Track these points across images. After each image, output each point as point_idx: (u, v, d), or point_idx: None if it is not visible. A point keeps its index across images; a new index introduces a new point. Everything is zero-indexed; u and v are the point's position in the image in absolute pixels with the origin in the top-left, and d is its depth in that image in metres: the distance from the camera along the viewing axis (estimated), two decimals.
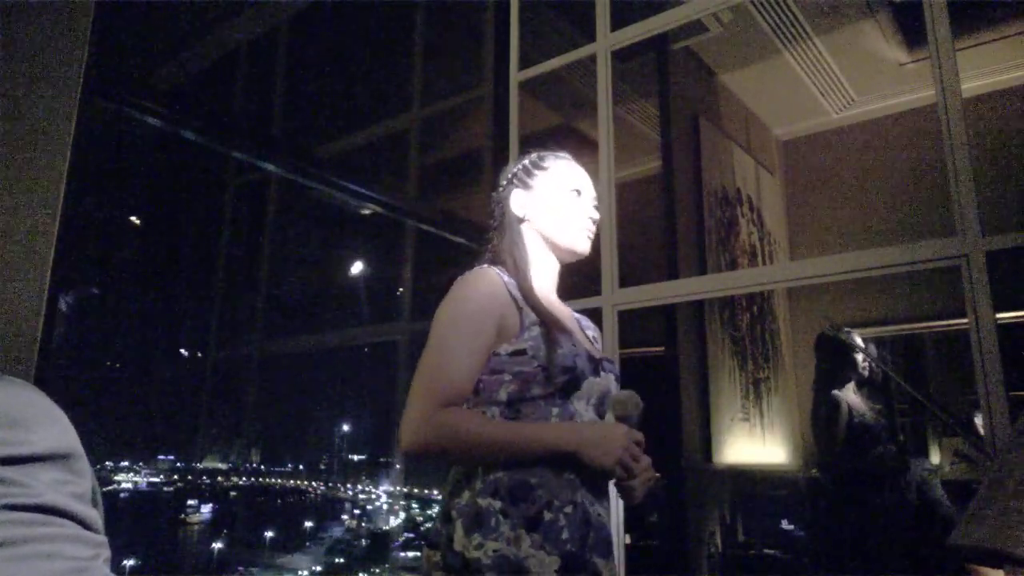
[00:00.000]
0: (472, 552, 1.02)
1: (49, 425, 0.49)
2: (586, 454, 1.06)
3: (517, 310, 1.15)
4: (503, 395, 1.11)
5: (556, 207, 1.28)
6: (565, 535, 1.04)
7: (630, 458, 1.09)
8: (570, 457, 1.07)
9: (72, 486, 0.47)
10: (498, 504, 1.05)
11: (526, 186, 1.31)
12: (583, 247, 1.29)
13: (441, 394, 1.05)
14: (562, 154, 1.36)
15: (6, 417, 0.47)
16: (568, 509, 1.06)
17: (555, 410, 1.11)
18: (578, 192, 1.30)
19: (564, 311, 1.31)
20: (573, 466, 1.08)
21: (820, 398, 2.77)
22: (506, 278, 1.18)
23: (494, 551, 1.01)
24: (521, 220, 1.29)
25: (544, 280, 1.29)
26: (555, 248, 1.29)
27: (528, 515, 1.04)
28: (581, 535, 1.06)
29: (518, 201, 1.30)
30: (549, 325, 1.14)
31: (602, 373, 1.19)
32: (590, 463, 1.07)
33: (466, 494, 1.07)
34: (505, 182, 1.34)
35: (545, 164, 1.33)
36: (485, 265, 1.21)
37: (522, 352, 1.12)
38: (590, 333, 1.34)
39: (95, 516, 0.48)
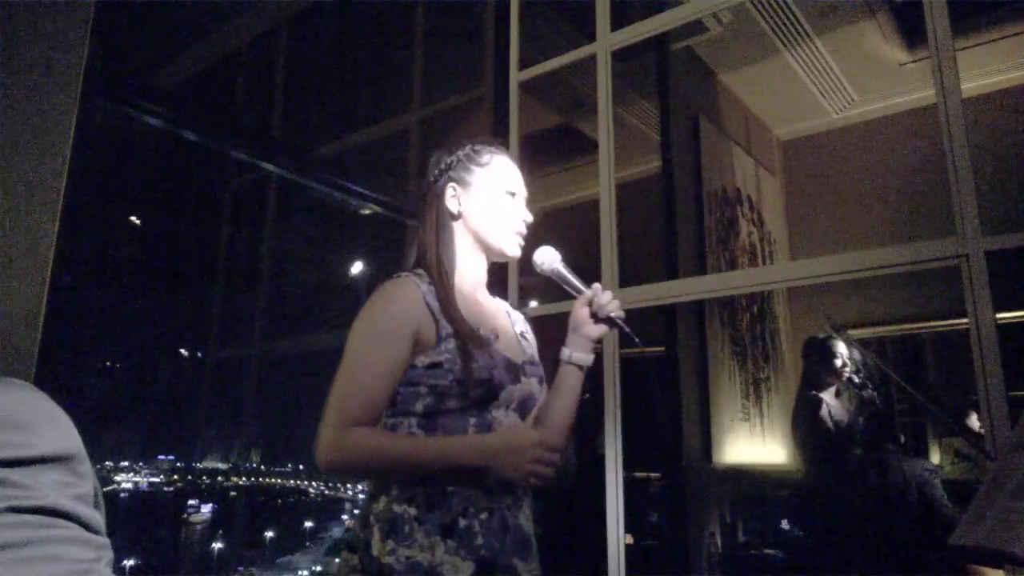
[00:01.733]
0: (386, 558, 1.02)
1: (51, 427, 0.49)
2: (493, 469, 1.05)
3: (434, 321, 1.12)
4: (419, 407, 1.10)
5: (491, 208, 1.24)
6: (480, 540, 1.05)
7: (541, 465, 1.06)
8: (479, 472, 1.06)
9: (74, 488, 0.47)
10: (413, 511, 1.05)
11: (463, 182, 1.25)
12: (514, 252, 1.25)
13: (351, 413, 1.05)
14: (498, 149, 1.30)
15: (9, 419, 0.47)
16: (484, 516, 1.07)
17: (472, 420, 1.11)
18: (512, 194, 1.26)
19: (490, 311, 1.27)
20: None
21: (801, 398, 2.80)
22: (424, 286, 1.15)
23: (407, 558, 1.02)
24: (455, 217, 1.24)
25: (471, 279, 1.25)
26: (486, 249, 1.26)
27: (444, 522, 1.04)
28: (499, 541, 1.06)
29: (454, 197, 1.24)
30: (464, 338, 1.11)
31: (523, 379, 1.17)
32: (499, 477, 1.06)
33: (383, 499, 1.07)
34: (438, 172, 1.27)
35: (483, 160, 1.27)
36: (404, 273, 1.18)
37: (438, 365, 1.10)
38: (519, 328, 1.31)
39: (97, 518, 0.48)
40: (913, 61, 3.57)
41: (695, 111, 3.61)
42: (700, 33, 3.32)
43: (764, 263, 3.93)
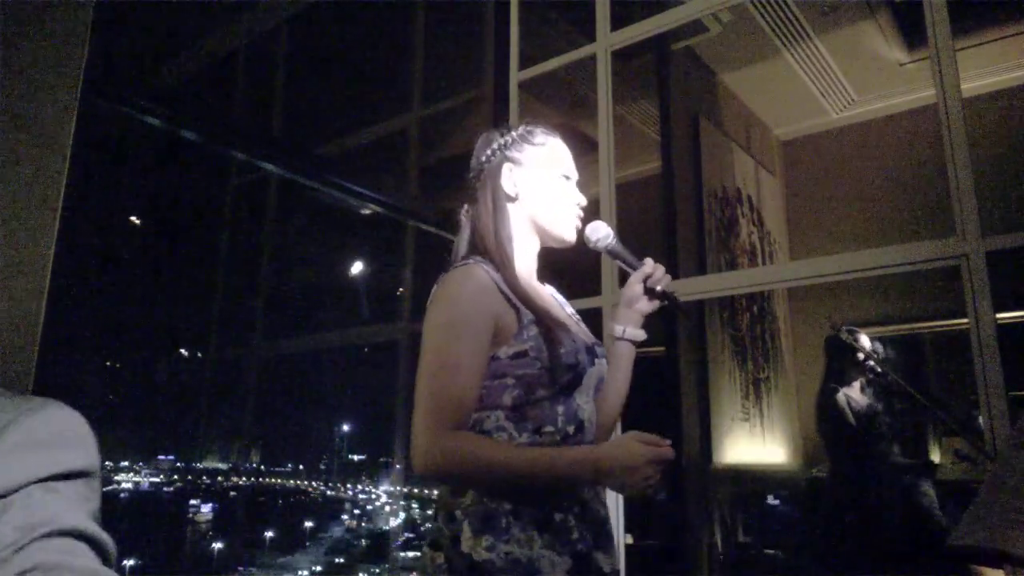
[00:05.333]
0: (483, 554, 0.99)
1: (82, 443, 0.52)
2: (607, 481, 1.02)
3: (512, 309, 1.08)
4: (507, 400, 1.06)
5: (549, 191, 1.20)
6: (575, 535, 1.03)
7: (653, 480, 1.02)
8: (590, 483, 1.05)
9: (91, 503, 0.50)
10: (507, 505, 1.02)
11: (518, 162, 1.21)
12: (572, 236, 1.22)
13: (447, 412, 1.00)
14: (551, 131, 1.27)
15: (48, 436, 0.50)
16: (577, 509, 1.05)
17: (560, 408, 1.07)
18: (568, 178, 1.23)
19: (549, 297, 1.25)
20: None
21: (824, 395, 2.78)
22: (494, 274, 1.10)
23: (506, 553, 0.99)
24: (511, 199, 1.20)
25: (526, 264, 1.22)
26: (543, 234, 1.22)
27: (538, 516, 1.02)
28: (592, 534, 1.05)
29: (509, 177, 1.20)
30: (548, 323, 1.08)
31: (596, 361, 1.15)
32: (612, 488, 1.04)
33: (471, 494, 1.04)
34: (490, 152, 1.23)
35: (538, 140, 1.23)
36: (470, 262, 1.12)
37: (523, 354, 1.06)
38: (568, 310, 1.28)
39: (110, 541, 0.50)
40: (913, 61, 3.57)
41: (695, 111, 3.61)
42: (700, 33, 3.32)
43: (764, 263, 3.93)
